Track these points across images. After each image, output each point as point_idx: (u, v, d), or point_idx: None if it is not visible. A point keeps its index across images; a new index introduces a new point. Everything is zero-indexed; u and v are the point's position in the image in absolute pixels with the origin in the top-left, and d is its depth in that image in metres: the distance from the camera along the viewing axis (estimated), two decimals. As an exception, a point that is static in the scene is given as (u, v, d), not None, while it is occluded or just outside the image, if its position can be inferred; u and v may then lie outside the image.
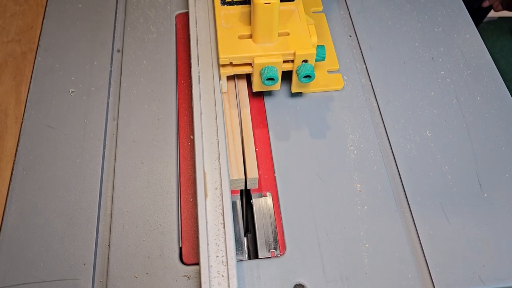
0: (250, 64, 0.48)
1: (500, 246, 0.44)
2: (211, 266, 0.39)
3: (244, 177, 0.45)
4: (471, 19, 0.61)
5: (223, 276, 0.38)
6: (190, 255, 0.43)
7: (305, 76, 0.47)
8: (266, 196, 0.46)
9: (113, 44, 0.57)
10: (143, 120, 0.51)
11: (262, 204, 0.46)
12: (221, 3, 0.50)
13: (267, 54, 0.47)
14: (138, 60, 0.56)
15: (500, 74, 0.56)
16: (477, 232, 0.45)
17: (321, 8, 0.61)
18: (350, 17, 0.61)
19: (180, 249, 0.44)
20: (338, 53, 0.57)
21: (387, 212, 0.46)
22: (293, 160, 0.49)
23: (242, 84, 0.53)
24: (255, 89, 0.50)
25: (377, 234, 0.45)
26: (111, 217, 0.45)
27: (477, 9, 0.67)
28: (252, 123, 0.50)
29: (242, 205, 0.48)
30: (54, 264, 0.43)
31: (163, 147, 0.50)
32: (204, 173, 0.43)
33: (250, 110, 0.52)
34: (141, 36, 0.58)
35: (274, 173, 0.48)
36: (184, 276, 0.42)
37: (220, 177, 0.43)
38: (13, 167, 0.48)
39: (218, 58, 0.47)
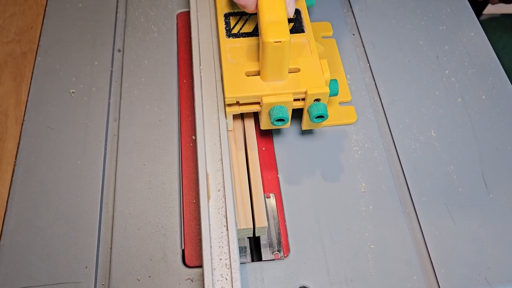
0: (258, 103, 0.44)
1: (506, 247, 0.44)
2: (215, 269, 0.38)
3: (252, 226, 0.42)
4: (475, 17, 0.60)
5: (226, 279, 0.38)
6: (193, 257, 0.43)
7: (318, 117, 0.44)
8: (270, 197, 0.46)
9: (113, 44, 0.57)
10: (144, 121, 0.51)
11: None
12: (226, 35, 0.47)
13: (276, 93, 0.43)
14: (139, 60, 0.55)
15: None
16: (483, 233, 0.45)
17: (331, 33, 0.57)
18: (353, 15, 0.60)
19: (183, 251, 0.43)
20: (341, 52, 0.56)
21: (392, 213, 0.46)
22: (296, 160, 0.49)
23: (249, 122, 0.50)
24: (263, 127, 0.47)
25: (382, 235, 0.44)
26: (113, 219, 0.45)
27: (473, 3, 0.66)
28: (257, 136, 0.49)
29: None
30: (56, 267, 0.42)
31: (165, 148, 0.49)
32: (207, 174, 0.43)
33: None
34: (142, 35, 0.57)
35: (277, 174, 0.48)
36: (188, 279, 0.42)
37: (223, 178, 0.43)
38: (13, 169, 0.47)
39: (224, 96, 0.44)
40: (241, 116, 0.50)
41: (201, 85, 0.48)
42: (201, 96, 0.47)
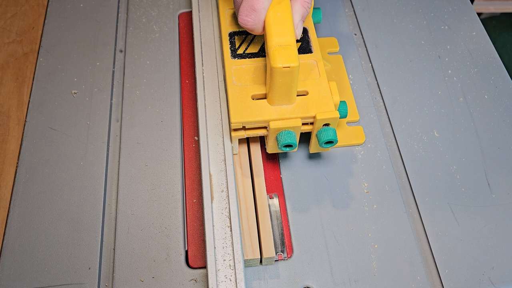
0: (265, 127, 0.43)
1: (510, 247, 0.44)
2: (219, 270, 0.38)
3: (259, 257, 0.41)
4: (477, 16, 0.60)
5: (230, 280, 0.38)
6: (196, 258, 0.43)
7: (327, 142, 0.43)
8: (273, 197, 0.46)
9: (115, 44, 0.56)
10: (147, 122, 0.51)
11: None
12: (231, 55, 0.46)
13: (284, 118, 0.41)
14: (141, 60, 0.55)
15: (504, 71, 0.56)
16: (486, 233, 0.45)
17: (337, 49, 0.56)
18: (355, 14, 0.60)
19: (186, 252, 0.43)
20: (343, 52, 0.56)
21: (395, 213, 0.46)
22: (299, 161, 0.48)
23: (256, 146, 0.48)
24: (270, 151, 0.45)
25: (385, 235, 0.44)
26: (115, 220, 0.45)
27: None
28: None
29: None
30: (59, 269, 0.42)
31: (168, 148, 0.49)
32: (210, 175, 0.43)
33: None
34: (144, 36, 0.57)
35: (280, 174, 0.48)
36: (191, 280, 0.42)
37: (226, 179, 0.43)
38: (16, 170, 0.47)
39: (229, 121, 0.43)
40: (247, 139, 0.48)
41: (204, 86, 0.48)
42: (203, 97, 0.47)
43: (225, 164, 0.44)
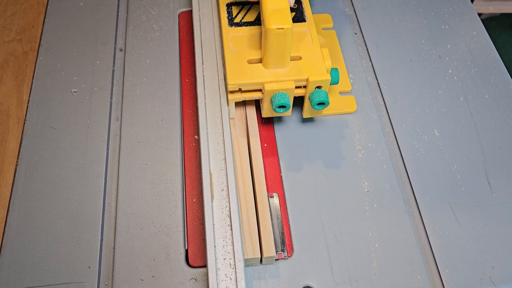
0: (260, 90, 0.45)
1: (510, 246, 0.44)
2: (219, 269, 0.38)
3: (260, 256, 0.41)
4: (477, 16, 0.60)
5: (231, 279, 0.38)
6: (196, 257, 0.43)
7: (319, 103, 0.45)
8: (273, 197, 0.46)
9: (115, 43, 0.56)
10: (147, 120, 0.51)
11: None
12: (228, 24, 0.48)
13: (278, 80, 0.44)
14: (141, 59, 0.55)
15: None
16: (487, 232, 0.45)
17: (331, 25, 0.58)
18: (355, 14, 0.60)
19: (186, 251, 0.43)
20: (344, 51, 0.56)
21: (395, 212, 0.46)
22: (299, 160, 0.48)
23: (251, 109, 0.50)
24: (265, 115, 0.47)
25: (386, 235, 0.44)
26: (115, 219, 0.45)
27: None
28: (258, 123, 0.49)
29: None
30: (59, 268, 0.42)
31: (168, 147, 0.49)
32: (210, 174, 0.43)
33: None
34: (144, 34, 0.57)
35: (280, 173, 0.48)
36: (191, 279, 0.42)
37: (227, 178, 0.43)
38: (15, 168, 0.47)
39: (226, 84, 0.45)
40: (243, 104, 0.50)
41: (204, 84, 0.48)
42: (204, 96, 0.47)
43: (225, 162, 0.43)
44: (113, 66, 0.55)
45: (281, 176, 0.47)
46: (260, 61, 0.45)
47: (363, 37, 0.58)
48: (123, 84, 0.53)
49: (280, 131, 0.50)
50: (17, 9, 0.59)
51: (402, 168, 0.48)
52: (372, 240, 0.44)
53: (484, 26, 0.59)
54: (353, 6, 0.61)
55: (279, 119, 0.51)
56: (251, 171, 0.46)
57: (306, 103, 0.47)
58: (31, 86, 0.52)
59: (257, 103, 0.50)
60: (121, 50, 0.56)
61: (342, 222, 0.45)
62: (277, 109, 0.45)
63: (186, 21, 0.59)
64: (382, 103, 0.53)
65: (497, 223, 0.45)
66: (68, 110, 0.51)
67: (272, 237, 0.42)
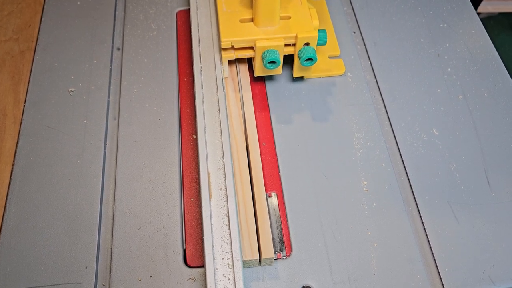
0: (252, 48, 0.48)
1: (510, 245, 0.44)
2: (217, 269, 0.38)
3: (258, 257, 0.41)
4: (476, 14, 0.60)
5: (229, 279, 0.38)
6: (194, 257, 0.42)
7: (307, 59, 0.47)
8: (272, 196, 0.46)
9: (112, 42, 0.56)
10: (144, 120, 0.50)
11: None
12: None
13: (268, 38, 0.46)
14: (139, 58, 0.55)
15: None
16: (486, 231, 0.44)
17: None
18: (354, 13, 0.60)
19: (184, 251, 0.43)
20: (342, 50, 0.56)
21: (394, 211, 0.45)
22: (298, 159, 0.48)
23: (244, 69, 0.53)
24: (257, 73, 0.50)
25: (385, 234, 0.44)
26: (113, 219, 0.44)
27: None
28: (254, 106, 0.50)
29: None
30: (56, 268, 0.42)
31: (165, 146, 0.49)
32: (208, 173, 0.42)
33: (252, 95, 0.51)
34: (141, 33, 0.57)
35: (279, 172, 0.47)
36: (189, 279, 0.41)
37: (225, 177, 0.42)
38: (12, 168, 0.47)
39: (219, 42, 0.47)
40: (236, 66, 0.52)
41: (202, 84, 0.48)
42: (201, 95, 0.47)
43: (224, 162, 0.43)
44: (111, 65, 0.54)
45: (279, 175, 0.47)
46: (252, 20, 0.48)
47: (361, 36, 0.58)
48: (120, 83, 0.53)
49: (271, 88, 0.53)
50: (13, 8, 0.59)
51: (401, 167, 0.48)
52: (371, 240, 0.44)
53: (483, 25, 0.59)
54: (352, 5, 0.61)
55: (271, 78, 0.53)
56: (250, 170, 0.46)
57: (296, 61, 0.49)
58: (28, 85, 0.52)
59: (249, 64, 0.53)
60: (118, 49, 0.56)
61: (341, 222, 0.45)
62: (268, 65, 0.47)
63: (184, 20, 0.58)
64: (381, 101, 0.53)
65: (497, 222, 0.45)
66: (65, 109, 0.51)
67: (271, 237, 0.42)
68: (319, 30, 0.48)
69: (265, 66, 0.47)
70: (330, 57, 0.55)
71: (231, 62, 0.52)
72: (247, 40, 0.47)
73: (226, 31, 0.47)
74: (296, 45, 0.47)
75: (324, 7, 0.59)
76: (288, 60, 0.52)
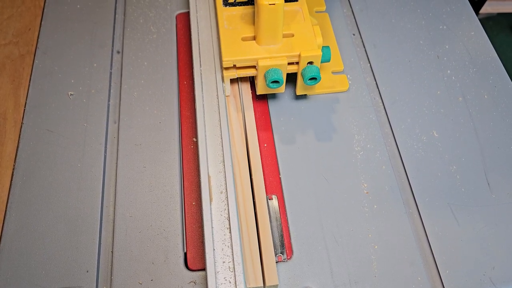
0: (254, 67, 0.47)
1: (510, 246, 0.44)
2: (218, 272, 0.38)
3: (262, 285, 0.40)
4: (475, 16, 0.60)
5: (230, 282, 0.38)
6: (195, 260, 0.42)
7: (311, 79, 0.46)
8: (272, 199, 0.46)
9: (112, 46, 0.56)
10: (145, 123, 0.50)
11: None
12: (223, 4, 0.49)
13: (271, 56, 0.45)
14: (139, 61, 0.55)
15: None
16: (487, 233, 0.44)
17: (324, 8, 0.59)
18: (353, 15, 0.60)
19: (185, 254, 0.43)
20: (342, 52, 0.56)
21: (395, 213, 0.45)
22: (298, 162, 0.48)
23: (245, 85, 0.52)
24: (259, 92, 0.48)
25: (385, 236, 0.44)
26: (113, 222, 0.44)
27: (471, 2, 0.66)
28: (256, 125, 0.49)
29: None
30: (56, 272, 0.42)
31: (166, 150, 0.49)
32: (209, 176, 0.42)
33: (254, 113, 0.50)
34: (141, 37, 0.57)
35: (279, 175, 0.47)
36: (190, 282, 0.41)
37: (225, 180, 0.42)
38: (12, 172, 0.47)
39: (221, 60, 0.46)
40: (238, 84, 0.51)
41: (202, 87, 0.48)
42: (202, 98, 0.47)
43: (224, 165, 0.43)
44: (111, 69, 0.54)
45: (280, 177, 0.47)
46: (254, 38, 0.47)
47: (361, 38, 0.58)
48: (120, 86, 0.53)
49: (274, 107, 0.52)
50: (13, 12, 0.59)
51: (401, 169, 0.48)
52: (372, 242, 0.44)
53: (482, 26, 0.59)
54: (351, 7, 0.61)
55: (273, 96, 0.52)
56: (250, 173, 0.46)
57: (299, 79, 0.48)
58: (28, 89, 0.52)
59: (252, 82, 0.52)
60: (118, 52, 0.56)
61: (342, 224, 0.45)
62: (271, 85, 0.46)
63: (184, 23, 0.59)
64: (381, 104, 0.53)
65: (497, 224, 0.45)
66: (65, 113, 0.51)
67: (275, 262, 0.41)
68: (322, 47, 0.47)
69: (267, 85, 0.46)
70: (333, 72, 0.54)
71: (232, 79, 0.51)
72: (249, 59, 0.45)
73: (227, 50, 0.45)
74: (299, 63, 0.46)
75: (327, 20, 0.58)
76: (292, 77, 0.50)
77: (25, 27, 0.58)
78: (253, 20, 0.47)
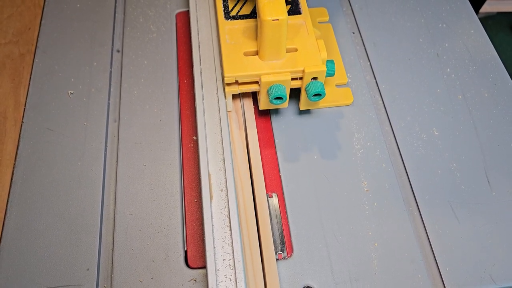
0: (256, 82, 0.45)
1: (511, 244, 0.44)
2: (218, 270, 0.38)
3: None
4: (475, 14, 0.60)
5: (230, 279, 0.38)
6: (195, 258, 0.43)
7: (315, 95, 0.45)
8: (272, 197, 0.46)
9: (112, 44, 0.56)
10: (145, 122, 0.50)
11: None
12: (224, 17, 0.48)
13: (274, 72, 0.44)
14: (139, 60, 0.55)
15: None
16: (487, 230, 0.44)
17: (327, 18, 0.58)
18: (353, 13, 0.60)
19: (185, 252, 0.43)
20: (342, 51, 0.56)
21: (395, 211, 0.45)
22: (298, 160, 0.48)
23: (248, 102, 0.51)
24: (262, 107, 0.47)
25: (386, 234, 0.44)
26: (114, 221, 0.45)
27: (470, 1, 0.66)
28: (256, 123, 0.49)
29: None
30: (57, 270, 0.42)
31: (166, 148, 0.49)
32: (209, 174, 0.43)
33: (257, 130, 0.49)
34: (141, 35, 0.57)
35: (279, 173, 0.47)
36: (191, 280, 0.41)
37: (225, 178, 0.42)
38: (13, 171, 0.47)
39: (223, 76, 0.45)
40: (240, 98, 0.50)
41: (202, 85, 0.48)
42: (202, 96, 0.47)
43: (224, 163, 0.43)
44: (111, 68, 0.54)
45: (280, 176, 0.47)
46: (257, 53, 0.45)
47: (361, 36, 0.58)
48: (120, 85, 0.53)
49: (277, 123, 0.51)
50: (13, 11, 0.59)
51: (402, 167, 0.48)
52: (372, 240, 0.44)
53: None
54: (351, 5, 0.61)
55: (276, 111, 0.51)
56: (250, 171, 0.46)
57: (303, 95, 0.47)
58: (28, 88, 0.52)
59: (254, 96, 0.51)
60: (118, 51, 0.56)
61: (342, 222, 0.45)
62: (274, 101, 0.45)
63: (184, 21, 0.59)
64: (381, 102, 0.53)
65: (497, 221, 0.45)
66: (66, 112, 0.51)
67: (277, 272, 0.41)
68: (327, 61, 0.46)
69: (271, 102, 0.45)
70: (337, 85, 0.53)
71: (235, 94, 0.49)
72: (252, 75, 0.44)
73: (229, 65, 0.44)
74: (303, 79, 0.45)
75: (330, 31, 0.57)
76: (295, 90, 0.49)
77: (25, 26, 0.58)
78: (256, 34, 0.46)
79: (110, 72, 0.54)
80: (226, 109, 0.47)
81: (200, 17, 0.52)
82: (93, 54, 0.55)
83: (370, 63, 0.56)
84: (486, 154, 0.49)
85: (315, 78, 0.45)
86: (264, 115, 0.51)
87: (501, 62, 0.55)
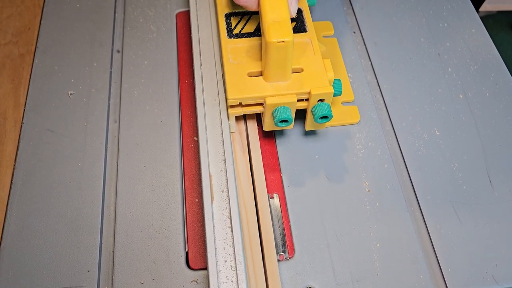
0: (261, 104, 0.44)
1: (513, 244, 0.44)
2: (220, 271, 0.38)
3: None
4: (476, 13, 0.60)
5: (232, 281, 0.38)
6: (196, 259, 0.42)
7: (322, 117, 0.43)
8: (273, 197, 0.45)
9: (112, 45, 0.56)
10: (145, 122, 0.50)
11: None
12: (227, 36, 0.46)
13: (280, 94, 0.42)
14: (139, 60, 0.55)
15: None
16: (489, 230, 0.44)
17: (332, 32, 0.57)
18: (354, 13, 0.60)
19: (186, 253, 0.43)
20: (343, 51, 0.56)
21: (397, 211, 0.45)
22: (299, 160, 0.48)
23: (252, 123, 0.50)
24: (266, 128, 0.46)
25: (388, 234, 0.44)
26: (114, 222, 0.44)
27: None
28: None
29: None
30: (58, 272, 0.42)
31: (167, 149, 0.49)
32: (210, 175, 0.42)
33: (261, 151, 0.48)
34: (141, 36, 0.57)
35: (280, 173, 0.47)
36: (192, 281, 0.41)
37: (226, 179, 0.42)
38: (13, 172, 0.47)
39: (226, 98, 0.43)
40: (244, 118, 0.49)
41: (203, 85, 0.47)
42: (202, 96, 0.47)
43: (225, 164, 0.43)
44: (111, 68, 0.54)
45: (281, 176, 0.47)
46: (261, 74, 0.44)
47: (362, 36, 0.58)
48: (120, 85, 0.53)
49: (282, 145, 0.49)
50: (13, 12, 0.59)
51: (403, 167, 0.48)
52: (374, 240, 0.44)
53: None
54: (352, 5, 0.61)
55: (281, 132, 0.50)
56: (251, 171, 0.46)
57: (309, 116, 0.45)
58: (28, 88, 0.52)
59: (258, 116, 0.49)
60: (118, 51, 0.56)
61: (343, 222, 0.45)
62: (279, 124, 0.43)
63: (184, 21, 0.58)
64: (382, 102, 0.53)
65: (499, 221, 0.45)
66: (66, 112, 0.51)
67: (277, 262, 0.41)
68: (334, 80, 0.45)
69: (276, 124, 0.43)
70: (343, 103, 0.52)
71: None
72: (256, 97, 0.42)
73: (233, 88, 0.42)
74: (309, 100, 0.43)
75: (336, 46, 0.56)
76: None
77: (25, 26, 0.57)
78: (260, 53, 0.45)
79: (110, 72, 0.54)
80: (229, 130, 0.45)
81: (200, 17, 0.52)
82: (93, 54, 0.55)
83: (371, 63, 0.55)
84: (488, 154, 0.49)
85: (321, 100, 0.43)
86: (268, 135, 0.50)
87: (503, 61, 0.55)
